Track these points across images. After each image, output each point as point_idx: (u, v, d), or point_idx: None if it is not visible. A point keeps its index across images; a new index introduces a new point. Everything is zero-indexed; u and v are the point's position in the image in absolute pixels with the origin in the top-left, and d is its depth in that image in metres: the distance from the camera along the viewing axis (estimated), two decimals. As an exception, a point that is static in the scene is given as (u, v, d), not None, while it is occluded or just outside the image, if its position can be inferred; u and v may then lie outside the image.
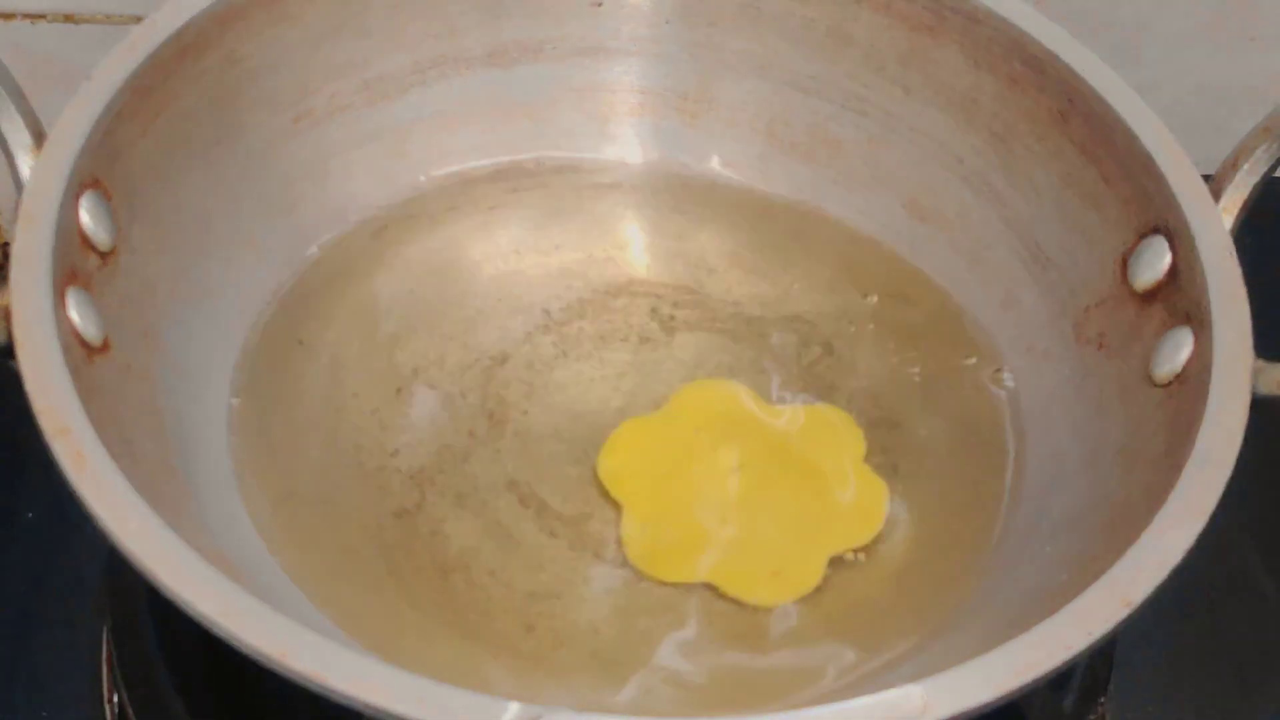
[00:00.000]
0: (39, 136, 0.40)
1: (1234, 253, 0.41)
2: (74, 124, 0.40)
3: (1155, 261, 0.43)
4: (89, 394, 0.35)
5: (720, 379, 0.47)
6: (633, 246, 0.51)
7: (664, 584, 0.42)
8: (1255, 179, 0.42)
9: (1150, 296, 0.43)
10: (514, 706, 0.30)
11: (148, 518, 0.33)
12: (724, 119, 0.53)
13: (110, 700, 0.43)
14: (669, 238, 0.51)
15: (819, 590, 0.42)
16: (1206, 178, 0.43)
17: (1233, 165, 0.42)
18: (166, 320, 0.42)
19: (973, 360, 0.48)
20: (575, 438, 0.45)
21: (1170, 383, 0.41)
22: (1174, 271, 0.42)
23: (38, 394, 0.35)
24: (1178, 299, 0.42)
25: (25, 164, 0.39)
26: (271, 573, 0.40)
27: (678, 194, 0.52)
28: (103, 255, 0.40)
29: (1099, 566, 0.34)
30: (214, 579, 0.32)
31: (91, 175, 0.40)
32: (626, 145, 0.53)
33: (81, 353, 0.37)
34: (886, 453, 0.45)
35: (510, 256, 0.50)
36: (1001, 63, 0.47)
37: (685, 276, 0.50)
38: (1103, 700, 0.45)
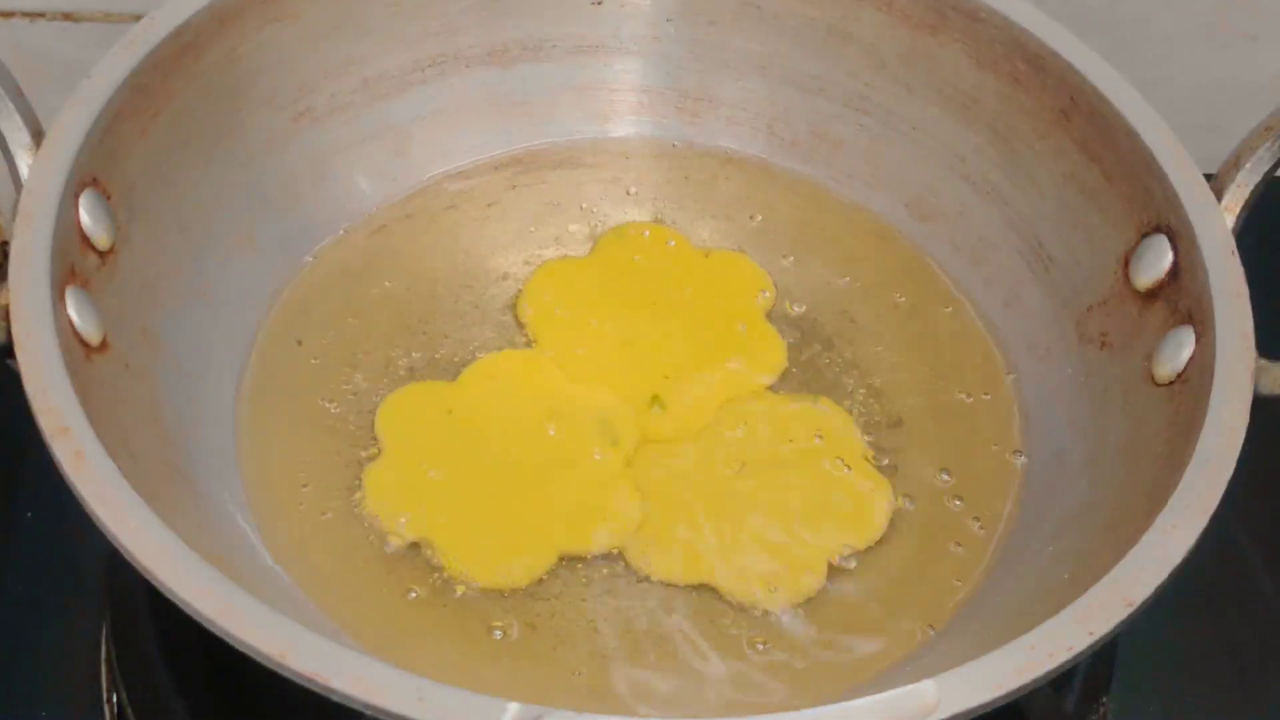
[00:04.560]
0: (38, 135, 0.40)
1: (1235, 252, 0.41)
2: (73, 123, 0.40)
3: (1157, 260, 0.43)
4: (88, 393, 0.35)
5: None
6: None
7: (664, 585, 0.42)
8: (1257, 178, 0.42)
9: (1152, 295, 0.43)
10: (514, 706, 0.30)
11: (147, 517, 0.33)
12: (725, 117, 0.53)
13: (110, 700, 0.43)
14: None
15: (820, 591, 0.42)
16: (1208, 177, 0.43)
17: (1234, 164, 0.42)
18: (165, 319, 0.42)
19: (974, 359, 0.48)
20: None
21: (1172, 382, 0.41)
22: (1176, 270, 0.42)
23: (37, 393, 0.34)
24: (1179, 298, 0.41)
25: (24, 163, 0.39)
26: (271, 573, 0.40)
27: (678, 192, 0.52)
28: (102, 254, 0.40)
29: (1100, 566, 0.34)
30: (214, 579, 0.32)
31: (90, 174, 0.40)
32: (627, 143, 0.53)
33: (80, 351, 0.37)
34: (888, 452, 0.45)
35: (509, 253, 0.50)
36: (1003, 61, 0.47)
37: (686, 275, 0.50)
38: (1104, 699, 0.45)
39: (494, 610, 0.41)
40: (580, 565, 0.42)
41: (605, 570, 0.42)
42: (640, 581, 0.42)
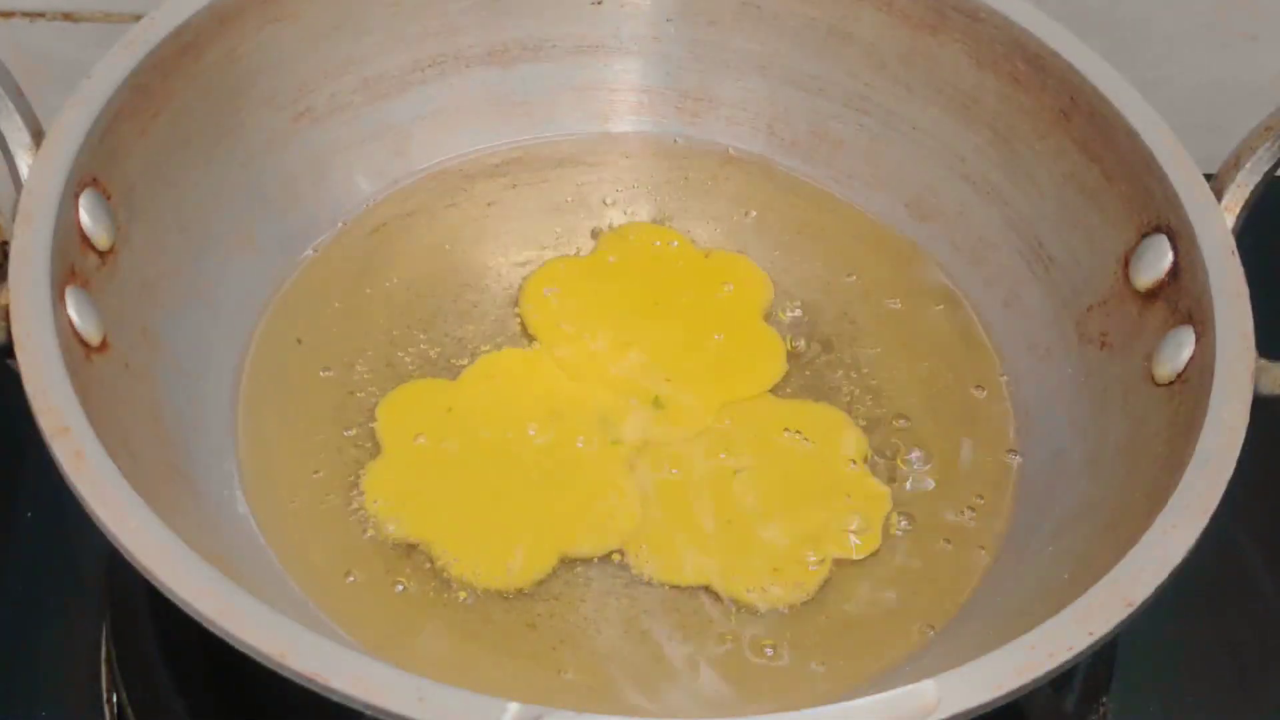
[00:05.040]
0: (38, 135, 0.40)
1: (1235, 252, 0.41)
2: (73, 123, 0.40)
3: (1157, 260, 0.43)
4: (88, 393, 0.35)
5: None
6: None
7: (664, 585, 0.42)
8: (1257, 178, 0.42)
9: (1152, 295, 0.43)
10: (514, 706, 0.30)
11: (147, 517, 0.33)
12: (725, 117, 0.53)
13: (110, 700, 0.43)
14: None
15: (820, 591, 0.42)
16: (1208, 176, 0.43)
17: (1234, 164, 0.42)
18: (165, 319, 0.42)
19: (974, 359, 0.48)
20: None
21: (1172, 382, 0.41)
22: (1176, 270, 0.42)
23: (37, 393, 0.34)
24: (1179, 298, 0.41)
25: (24, 163, 0.39)
26: (271, 573, 0.40)
27: (678, 191, 0.52)
28: (101, 254, 0.40)
29: (1100, 566, 0.34)
30: (214, 579, 0.32)
31: (90, 174, 0.40)
32: (627, 143, 0.53)
33: (80, 351, 0.37)
34: (887, 452, 0.45)
35: (510, 252, 0.50)
36: (1003, 61, 0.47)
37: (686, 275, 0.50)
38: (1104, 699, 0.45)
39: (494, 610, 0.41)
40: (580, 566, 0.42)
41: (605, 571, 0.42)
42: (640, 582, 0.42)
